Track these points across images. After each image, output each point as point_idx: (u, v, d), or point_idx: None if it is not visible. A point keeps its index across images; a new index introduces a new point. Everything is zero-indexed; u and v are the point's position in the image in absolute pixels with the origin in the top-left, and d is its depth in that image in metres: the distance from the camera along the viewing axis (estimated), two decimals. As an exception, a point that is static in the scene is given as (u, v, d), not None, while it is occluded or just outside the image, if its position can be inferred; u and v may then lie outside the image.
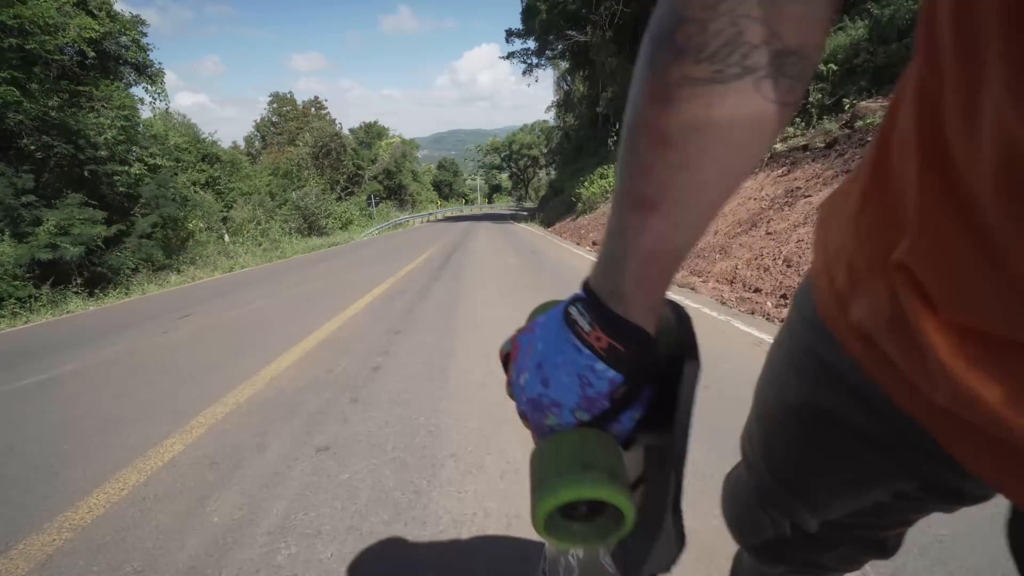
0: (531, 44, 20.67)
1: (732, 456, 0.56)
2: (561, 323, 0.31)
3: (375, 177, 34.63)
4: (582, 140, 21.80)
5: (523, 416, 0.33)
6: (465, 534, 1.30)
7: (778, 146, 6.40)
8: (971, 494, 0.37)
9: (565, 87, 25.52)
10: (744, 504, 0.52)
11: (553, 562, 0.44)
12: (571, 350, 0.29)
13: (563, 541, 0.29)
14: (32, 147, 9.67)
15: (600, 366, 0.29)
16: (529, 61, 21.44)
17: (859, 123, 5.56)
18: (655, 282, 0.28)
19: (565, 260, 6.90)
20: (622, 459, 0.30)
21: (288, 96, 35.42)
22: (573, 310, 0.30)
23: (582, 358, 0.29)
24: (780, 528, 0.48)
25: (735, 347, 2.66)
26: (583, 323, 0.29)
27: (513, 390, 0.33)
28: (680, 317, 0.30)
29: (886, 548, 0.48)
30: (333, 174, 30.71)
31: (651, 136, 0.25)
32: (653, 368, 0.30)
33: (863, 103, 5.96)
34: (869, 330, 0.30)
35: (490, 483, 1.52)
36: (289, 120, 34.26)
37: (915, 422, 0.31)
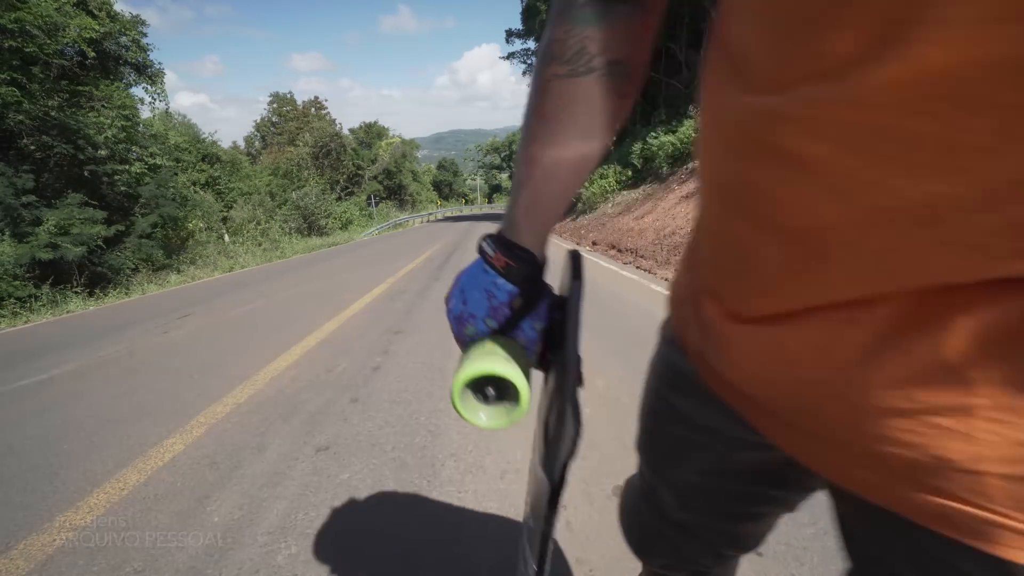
0: (531, 44, 20.69)
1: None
2: (478, 258, 0.42)
3: (375, 177, 34.61)
4: (582, 140, 21.80)
5: (457, 339, 0.43)
6: (465, 534, 1.30)
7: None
8: (795, 480, 0.41)
9: (565, 87, 25.46)
10: (631, 500, 0.60)
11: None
12: (481, 273, 0.40)
13: (473, 417, 0.37)
14: (32, 147, 9.66)
15: (500, 281, 0.39)
16: (529, 61, 21.47)
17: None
18: (539, 215, 0.39)
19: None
20: (523, 354, 0.39)
21: (288, 96, 35.38)
22: (483, 243, 0.41)
23: (488, 277, 0.40)
24: (656, 519, 0.55)
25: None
26: (489, 250, 0.40)
27: (448, 320, 0.43)
28: (573, 256, 0.41)
29: (740, 540, 0.52)
30: (333, 174, 30.71)
31: (537, 115, 0.37)
32: (541, 282, 0.40)
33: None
34: (696, 337, 0.39)
35: (490, 483, 1.51)
36: (289, 120, 34.24)
37: (737, 413, 0.37)
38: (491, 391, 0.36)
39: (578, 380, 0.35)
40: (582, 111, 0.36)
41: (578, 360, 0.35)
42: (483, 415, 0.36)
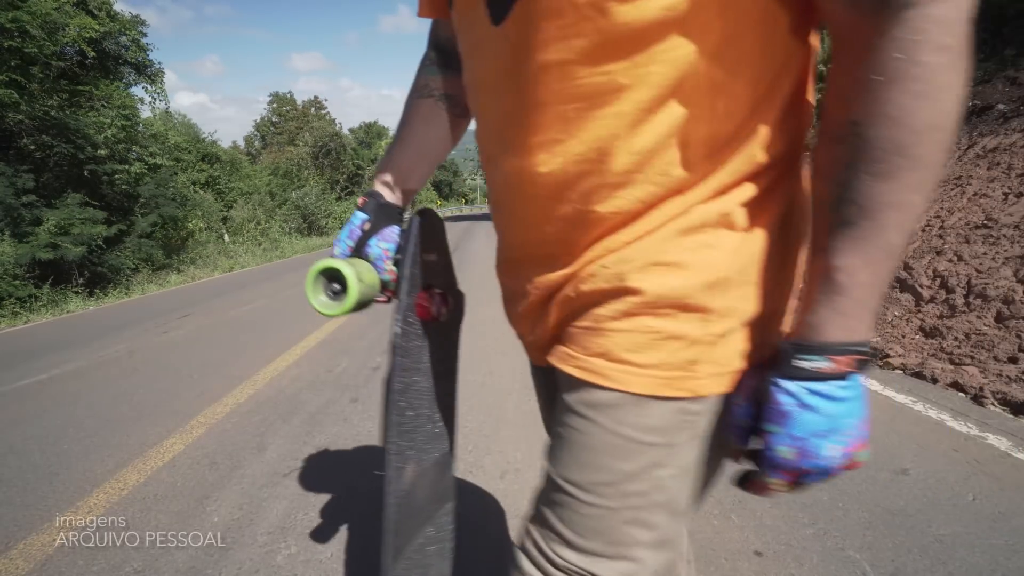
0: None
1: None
2: None
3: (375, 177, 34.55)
4: (582, 140, 21.75)
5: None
6: (465, 534, 1.29)
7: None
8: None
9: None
10: None
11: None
12: (353, 215, 0.60)
13: (315, 301, 0.52)
14: (32, 147, 9.65)
15: (358, 212, 0.60)
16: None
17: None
18: (394, 177, 0.61)
19: (565, 260, 6.88)
20: (371, 269, 0.56)
21: (288, 96, 35.37)
22: (358, 197, 0.58)
23: (355, 215, 0.60)
24: None
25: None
26: (360, 200, 0.61)
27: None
28: (422, 208, 0.61)
29: None
30: (333, 174, 30.68)
31: (401, 122, 0.63)
32: (386, 216, 0.59)
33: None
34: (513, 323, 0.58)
35: (490, 483, 1.51)
36: (289, 120, 34.22)
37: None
38: (336, 287, 0.51)
39: (418, 284, 0.56)
40: (427, 115, 0.61)
41: (415, 272, 0.55)
42: (323, 298, 0.52)
